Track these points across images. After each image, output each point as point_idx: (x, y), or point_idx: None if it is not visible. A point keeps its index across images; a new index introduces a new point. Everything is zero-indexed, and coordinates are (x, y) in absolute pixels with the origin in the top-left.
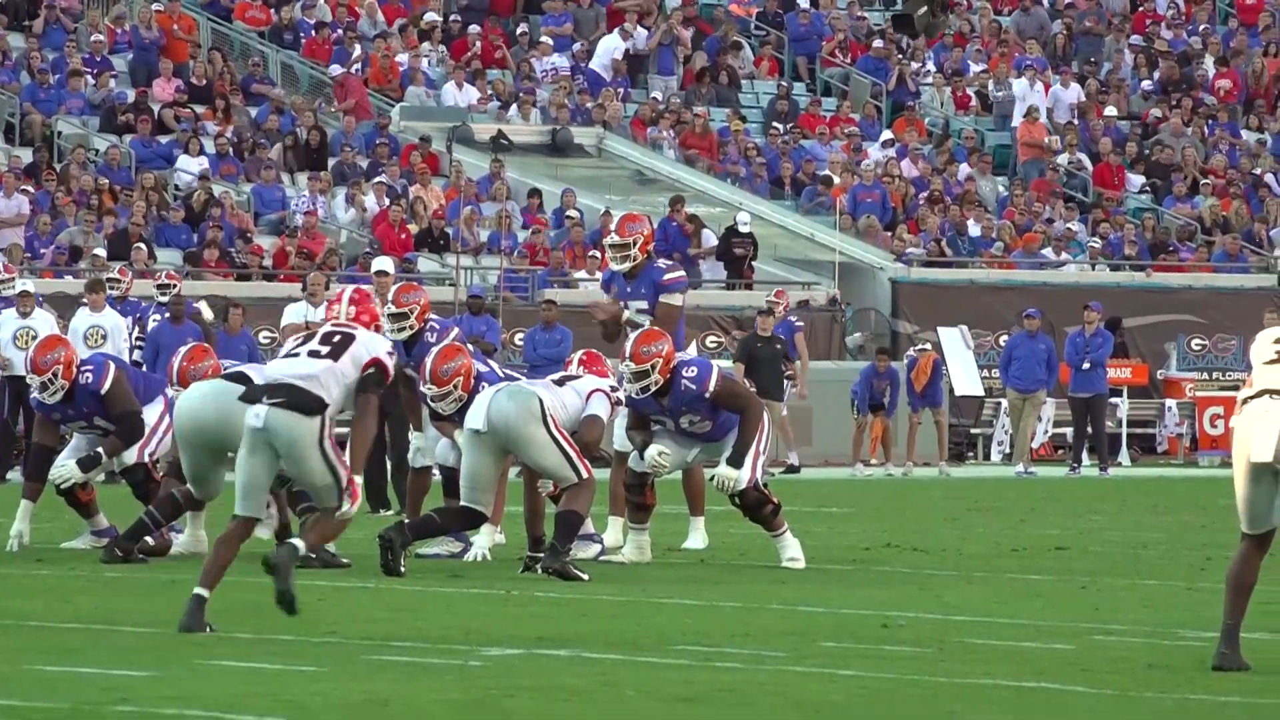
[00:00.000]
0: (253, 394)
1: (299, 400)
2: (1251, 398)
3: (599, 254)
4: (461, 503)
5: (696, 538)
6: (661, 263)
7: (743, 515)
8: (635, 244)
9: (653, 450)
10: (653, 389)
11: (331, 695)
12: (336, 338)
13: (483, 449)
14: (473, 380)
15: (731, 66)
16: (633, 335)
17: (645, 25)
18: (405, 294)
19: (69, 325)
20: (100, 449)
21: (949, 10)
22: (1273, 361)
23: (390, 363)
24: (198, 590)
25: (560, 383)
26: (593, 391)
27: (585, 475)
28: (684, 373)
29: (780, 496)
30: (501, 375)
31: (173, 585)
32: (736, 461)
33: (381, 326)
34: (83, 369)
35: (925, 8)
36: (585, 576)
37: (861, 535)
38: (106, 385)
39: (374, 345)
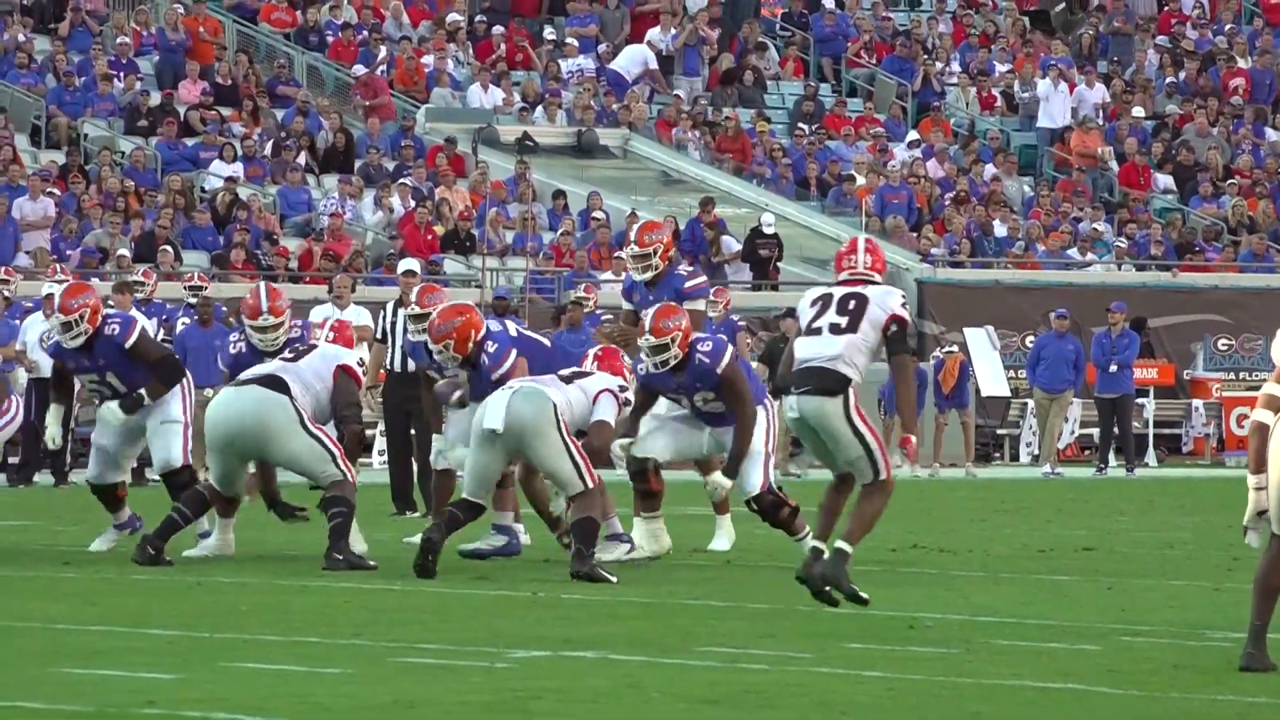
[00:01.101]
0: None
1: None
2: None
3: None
4: (464, 495)
5: (722, 538)
6: (683, 269)
7: (762, 520)
8: (656, 253)
9: (617, 446)
10: (671, 363)
11: (358, 698)
12: None
13: (495, 449)
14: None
15: (757, 67)
16: (651, 310)
17: (671, 26)
18: (427, 295)
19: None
20: (143, 391)
21: (1086, 7)
22: None
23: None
24: None
25: (569, 379)
26: (600, 392)
27: (592, 484)
28: (700, 347)
29: (805, 498)
30: (514, 335)
31: (199, 587)
32: (731, 471)
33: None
34: (110, 320)
35: (1063, 4)
36: (614, 579)
37: (888, 536)
38: (133, 339)
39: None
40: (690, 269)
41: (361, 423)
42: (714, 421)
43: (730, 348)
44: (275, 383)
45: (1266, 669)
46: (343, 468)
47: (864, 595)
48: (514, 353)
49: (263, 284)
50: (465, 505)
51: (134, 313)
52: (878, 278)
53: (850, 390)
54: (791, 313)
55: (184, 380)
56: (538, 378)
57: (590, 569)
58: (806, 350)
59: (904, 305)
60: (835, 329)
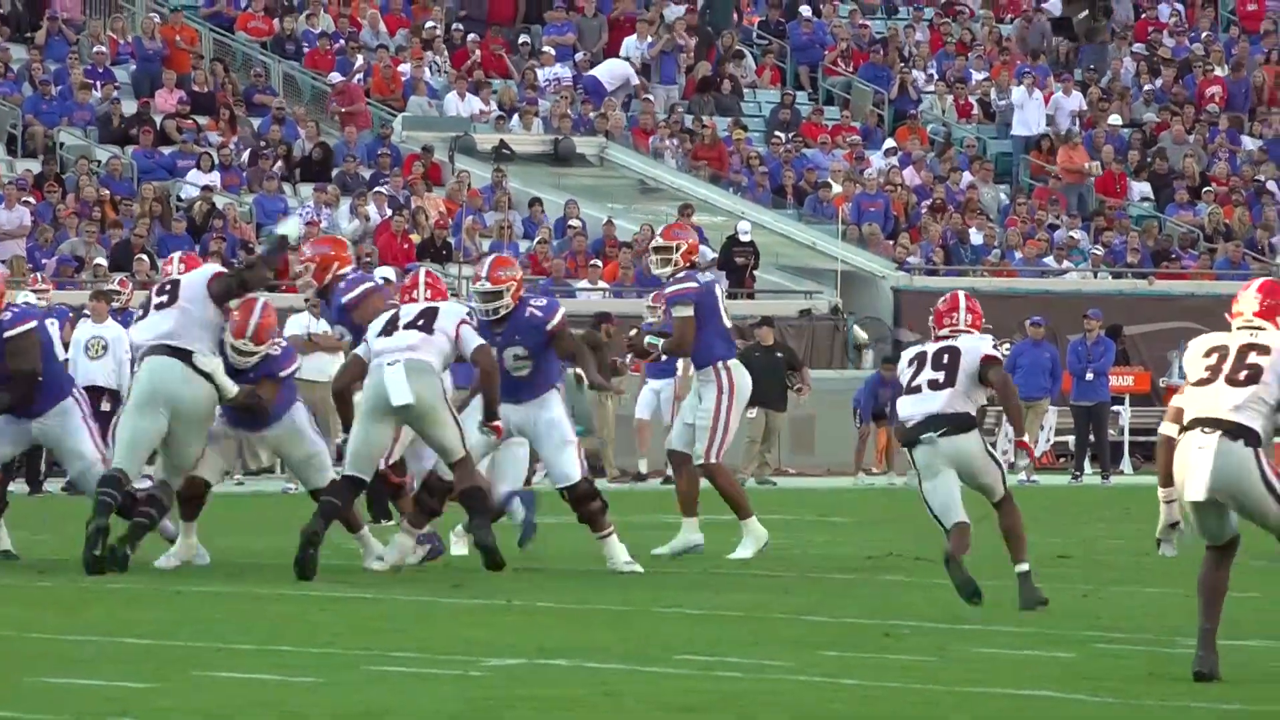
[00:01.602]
0: None
1: None
2: (1186, 427)
3: (600, 263)
4: (347, 471)
5: (683, 539)
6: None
7: (573, 510)
8: (678, 249)
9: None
10: (501, 312)
11: (331, 707)
12: None
13: (388, 424)
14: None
15: (734, 75)
16: (490, 257)
17: (648, 35)
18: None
19: (71, 336)
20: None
21: (1110, 15)
22: (1203, 381)
23: None
24: None
25: (425, 327)
26: (459, 325)
27: (466, 450)
28: (533, 301)
29: (785, 505)
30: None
31: (176, 596)
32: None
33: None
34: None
35: (1087, 11)
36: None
37: (864, 544)
38: (14, 332)
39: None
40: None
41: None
42: (519, 392)
43: (562, 308)
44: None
45: (1216, 674)
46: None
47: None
48: (366, 288)
49: (261, 304)
50: (348, 482)
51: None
52: (975, 334)
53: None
54: (768, 321)
55: (74, 393)
56: (406, 350)
57: (490, 538)
58: (908, 409)
59: (995, 345)
60: (934, 385)
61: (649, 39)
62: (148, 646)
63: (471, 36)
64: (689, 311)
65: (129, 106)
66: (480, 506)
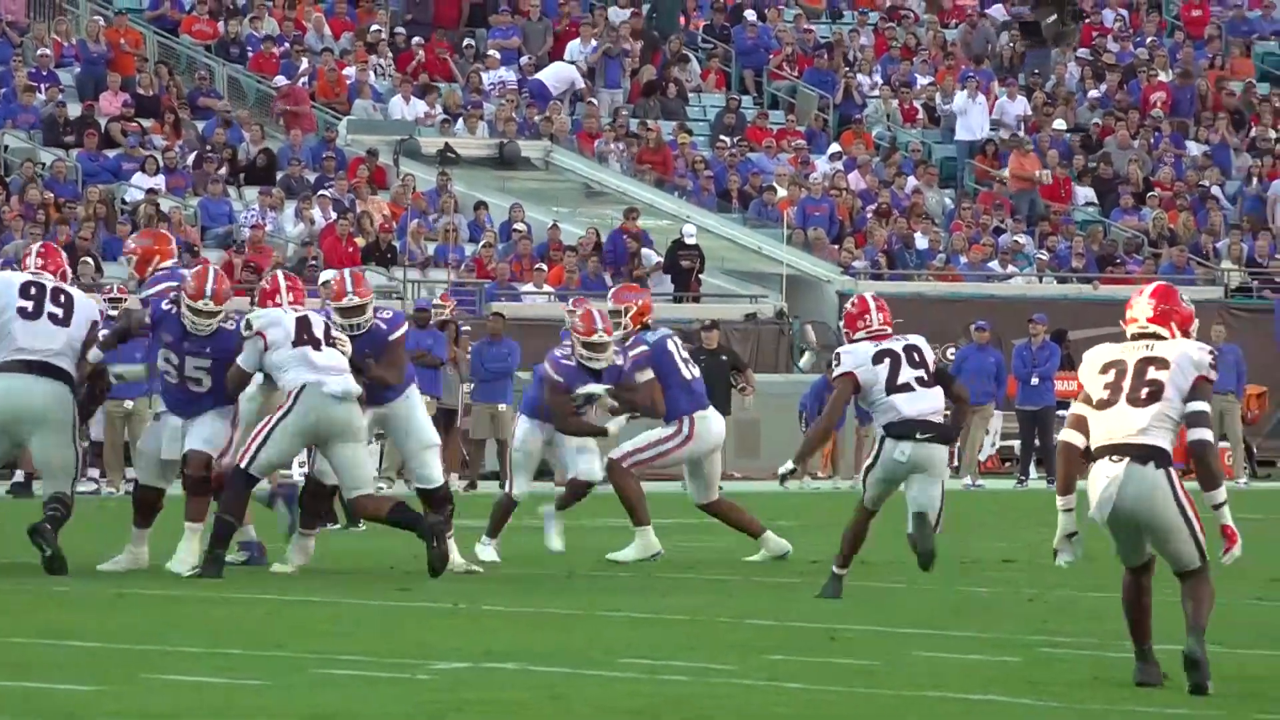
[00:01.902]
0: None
1: None
2: (1094, 455)
3: (545, 267)
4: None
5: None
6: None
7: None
8: (626, 312)
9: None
10: (363, 328)
11: (278, 710)
12: None
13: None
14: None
15: (679, 79)
16: (347, 273)
17: (592, 38)
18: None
19: None
20: None
21: (1080, 19)
22: (1105, 404)
23: None
24: None
25: (317, 345)
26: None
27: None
28: (381, 314)
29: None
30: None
31: (120, 600)
32: None
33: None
34: None
35: (1055, 16)
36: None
37: (809, 548)
38: None
39: None
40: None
41: None
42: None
43: (406, 323)
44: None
45: (1159, 681)
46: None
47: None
48: (164, 286)
49: (213, 269)
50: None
51: None
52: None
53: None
54: (715, 325)
55: None
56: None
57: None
58: (911, 407)
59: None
60: (922, 382)
61: (593, 42)
62: (93, 650)
63: (416, 40)
64: (649, 374)
65: (73, 109)
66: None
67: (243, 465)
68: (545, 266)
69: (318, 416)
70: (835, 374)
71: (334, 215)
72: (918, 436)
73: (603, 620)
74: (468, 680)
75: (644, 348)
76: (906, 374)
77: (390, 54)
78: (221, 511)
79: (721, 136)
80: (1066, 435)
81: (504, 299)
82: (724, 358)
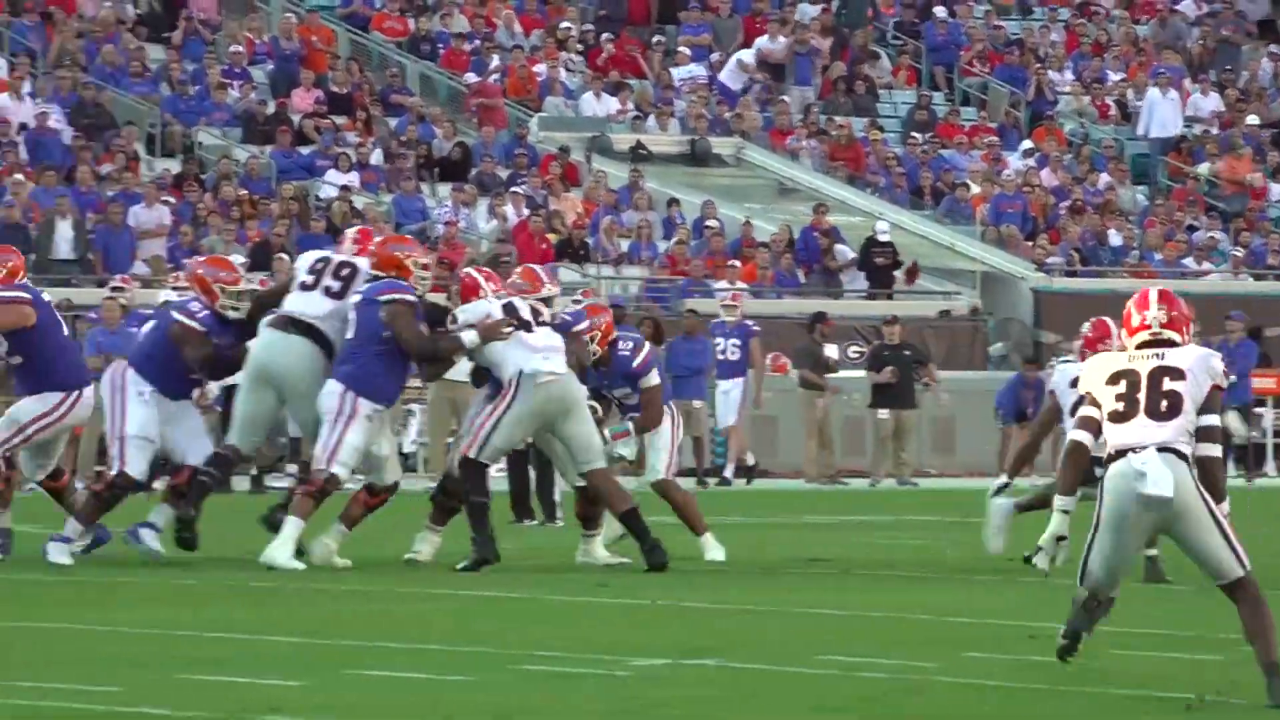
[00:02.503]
0: None
1: None
2: (1113, 456)
3: (738, 263)
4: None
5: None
6: (622, 348)
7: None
8: (593, 339)
9: None
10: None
11: (480, 705)
12: None
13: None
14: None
15: (869, 76)
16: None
17: (783, 35)
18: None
19: None
20: None
21: None
22: (1121, 415)
23: None
24: None
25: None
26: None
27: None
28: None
29: (926, 506)
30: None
31: (321, 594)
32: None
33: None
34: None
35: None
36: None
37: (1008, 546)
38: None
39: None
40: (631, 343)
41: None
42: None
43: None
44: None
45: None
46: None
47: None
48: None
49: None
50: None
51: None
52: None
53: None
54: (896, 319)
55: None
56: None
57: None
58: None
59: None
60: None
61: (781, 38)
62: (295, 644)
63: (606, 36)
64: (656, 380)
65: (267, 106)
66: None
67: (471, 455)
68: (738, 263)
69: (542, 398)
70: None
71: (526, 212)
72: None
73: (801, 617)
74: (666, 677)
75: (646, 350)
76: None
77: (580, 50)
78: (472, 497)
79: (913, 133)
80: (1078, 435)
81: (697, 295)
82: (906, 352)
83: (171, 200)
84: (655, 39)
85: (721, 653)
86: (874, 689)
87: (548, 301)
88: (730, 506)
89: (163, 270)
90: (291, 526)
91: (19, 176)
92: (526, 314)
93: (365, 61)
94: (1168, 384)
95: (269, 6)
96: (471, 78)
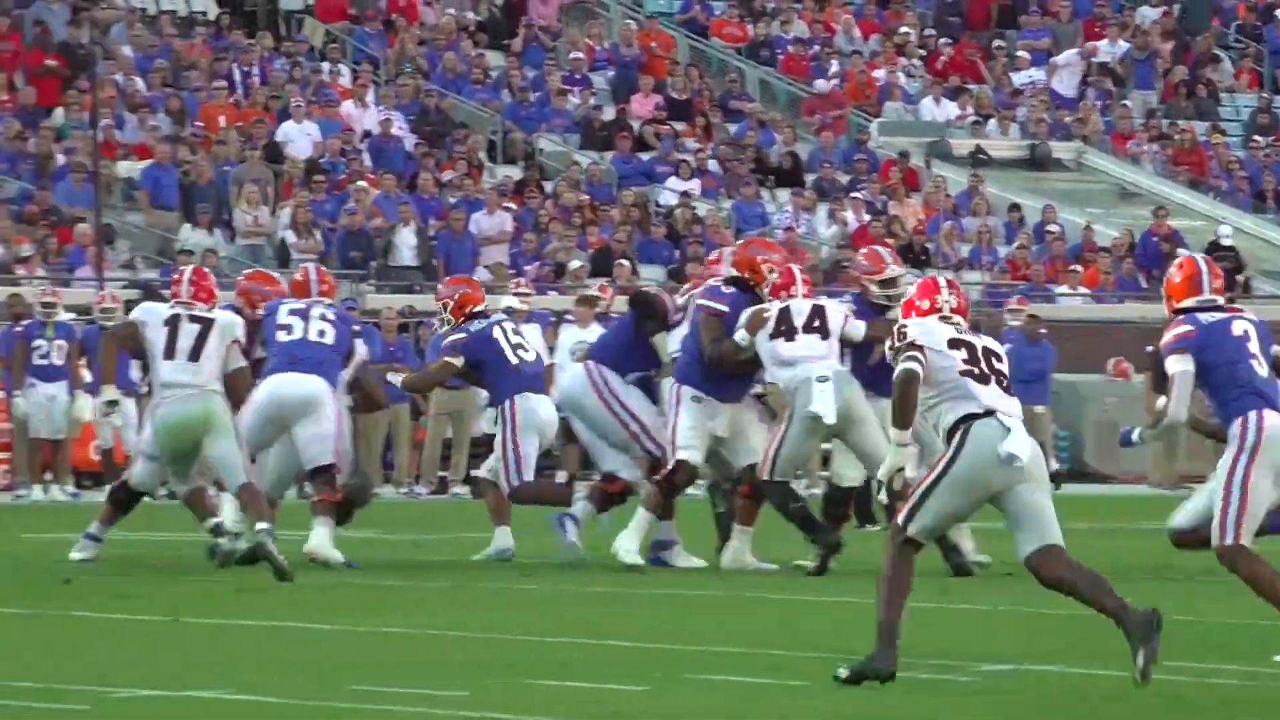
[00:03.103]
0: None
1: None
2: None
3: (1080, 268)
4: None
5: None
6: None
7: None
8: (446, 308)
9: None
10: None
11: (825, 712)
12: None
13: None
14: None
15: (1211, 79)
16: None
17: (1120, 39)
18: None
19: (555, 341)
20: None
21: None
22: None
23: None
24: None
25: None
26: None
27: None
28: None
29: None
30: None
31: (653, 599)
32: None
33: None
34: None
35: None
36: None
37: None
38: None
39: None
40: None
41: None
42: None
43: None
44: None
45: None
46: None
47: None
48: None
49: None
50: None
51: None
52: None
53: None
54: None
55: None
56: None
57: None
58: None
59: None
60: None
61: (1121, 43)
62: (634, 649)
63: (944, 40)
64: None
65: (606, 112)
66: None
67: (765, 477)
68: (1079, 268)
69: (821, 407)
70: None
71: (866, 217)
72: None
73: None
74: (1008, 685)
75: (461, 335)
76: None
77: (920, 55)
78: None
79: (1255, 136)
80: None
81: (1039, 300)
82: None
83: (513, 207)
84: (995, 43)
85: (1064, 659)
86: (1225, 694)
87: (893, 282)
88: (1074, 511)
89: (504, 276)
90: (640, 519)
91: (363, 183)
92: (798, 320)
93: (704, 67)
94: None
95: (609, 13)
96: (820, 85)
